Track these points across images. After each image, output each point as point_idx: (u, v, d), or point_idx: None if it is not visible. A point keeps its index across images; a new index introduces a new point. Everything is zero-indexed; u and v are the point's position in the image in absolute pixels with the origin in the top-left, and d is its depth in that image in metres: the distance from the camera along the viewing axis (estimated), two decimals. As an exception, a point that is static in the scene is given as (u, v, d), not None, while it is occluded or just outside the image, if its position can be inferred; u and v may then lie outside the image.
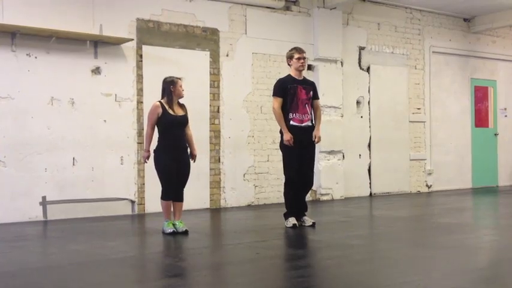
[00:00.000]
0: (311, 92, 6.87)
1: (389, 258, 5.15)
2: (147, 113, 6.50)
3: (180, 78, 6.49)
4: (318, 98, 7.02)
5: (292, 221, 6.73)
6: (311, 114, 6.87)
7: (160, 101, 6.35)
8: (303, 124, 6.76)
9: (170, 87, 6.35)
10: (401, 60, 11.12)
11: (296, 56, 6.81)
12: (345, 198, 10.06)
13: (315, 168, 9.60)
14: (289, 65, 6.94)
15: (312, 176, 6.92)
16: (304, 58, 6.85)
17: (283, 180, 6.92)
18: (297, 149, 6.69)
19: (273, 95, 6.85)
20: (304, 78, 6.96)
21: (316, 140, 6.81)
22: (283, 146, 6.79)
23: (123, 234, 6.66)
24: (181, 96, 6.42)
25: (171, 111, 6.30)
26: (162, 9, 8.50)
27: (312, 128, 6.82)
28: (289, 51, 6.94)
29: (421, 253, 5.39)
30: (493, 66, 12.62)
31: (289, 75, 6.91)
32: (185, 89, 6.50)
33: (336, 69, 10.08)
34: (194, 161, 6.56)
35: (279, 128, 6.90)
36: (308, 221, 6.88)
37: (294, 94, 6.74)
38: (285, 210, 6.87)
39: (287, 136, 6.66)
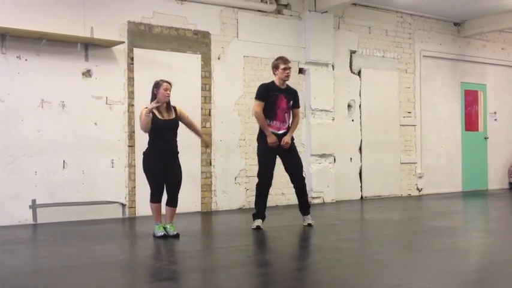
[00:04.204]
0: (291, 102, 6.97)
1: (380, 262, 5.16)
2: (139, 118, 6.35)
3: (168, 82, 6.31)
4: (298, 107, 7.12)
5: (257, 223, 6.89)
6: (289, 123, 6.99)
7: (147, 107, 6.30)
8: (280, 132, 6.89)
9: (154, 90, 6.31)
10: (392, 64, 11.16)
11: (282, 66, 6.89)
12: (336, 201, 10.08)
13: (306, 172, 9.75)
14: (274, 74, 7.01)
15: (300, 171, 7.06)
16: (289, 68, 6.93)
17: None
18: (273, 154, 6.87)
19: (256, 98, 6.94)
20: (287, 87, 7.04)
21: (283, 143, 6.83)
22: (260, 150, 6.93)
23: (113, 238, 6.64)
24: (164, 101, 6.25)
25: (159, 116, 6.26)
26: (154, 12, 8.49)
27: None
28: (275, 60, 7.04)
29: (412, 256, 5.41)
30: (483, 70, 12.70)
31: (273, 82, 7.01)
32: (174, 93, 6.37)
33: (327, 72, 10.10)
34: (206, 144, 6.87)
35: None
36: (307, 220, 7.07)
37: (274, 102, 6.86)
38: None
39: (272, 139, 6.79)
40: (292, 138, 7.01)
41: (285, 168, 7.03)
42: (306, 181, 9.65)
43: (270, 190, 7.03)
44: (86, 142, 7.93)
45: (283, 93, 6.91)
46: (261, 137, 6.91)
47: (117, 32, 8.16)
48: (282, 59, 6.96)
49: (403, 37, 11.33)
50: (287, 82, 7.06)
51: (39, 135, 7.61)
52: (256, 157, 7.06)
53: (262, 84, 7.07)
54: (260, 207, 6.95)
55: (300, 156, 9.60)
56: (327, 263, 5.06)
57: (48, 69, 7.67)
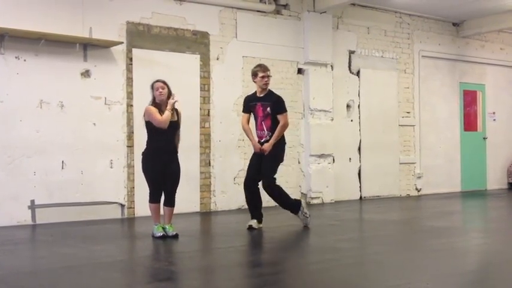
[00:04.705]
0: (268, 109, 6.89)
1: (379, 262, 5.16)
2: (147, 117, 6.27)
3: (161, 81, 6.33)
4: (280, 113, 6.91)
5: (250, 222, 6.97)
6: (270, 130, 6.91)
7: (151, 106, 6.31)
8: (262, 140, 6.95)
9: (152, 92, 6.34)
10: (391, 64, 11.17)
11: (260, 74, 6.91)
12: (335, 201, 10.07)
13: (305, 172, 9.76)
14: (253, 81, 7.05)
15: (263, 177, 6.91)
16: (268, 76, 6.95)
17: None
18: (258, 158, 6.96)
19: (242, 112, 7.25)
20: (267, 94, 6.99)
21: (261, 149, 6.86)
22: (252, 155, 7.15)
23: (112, 238, 6.63)
24: (159, 99, 6.24)
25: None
26: (152, 12, 8.49)
27: None
28: (254, 68, 7.08)
29: (411, 256, 5.41)
30: (482, 70, 12.70)
31: (254, 92, 7.14)
32: (169, 92, 6.37)
33: (326, 72, 10.10)
34: None
35: None
36: (303, 221, 7.07)
37: (253, 112, 7.03)
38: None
39: (255, 148, 6.96)
40: (284, 143, 7.03)
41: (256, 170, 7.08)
42: (305, 181, 9.84)
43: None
44: (85, 142, 7.92)
45: (260, 101, 6.95)
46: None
47: (115, 32, 8.15)
48: (261, 67, 6.99)
49: (402, 37, 11.33)
50: (271, 88, 7.08)
51: (38, 135, 7.61)
52: None
53: (245, 97, 7.31)
54: (250, 208, 7.06)
55: (299, 156, 9.76)
56: (325, 263, 5.07)
57: (47, 70, 7.66)
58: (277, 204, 7.14)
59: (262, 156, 6.90)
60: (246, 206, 7.21)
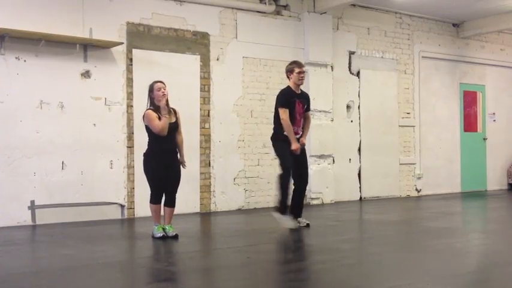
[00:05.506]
0: (305, 106, 7.04)
1: (379, 262, 5.16)
2: (147, 121, 6.23)
3: (160, 81, 6.31)
4: (309, 110, 7.21)
5: (291, 223, 6.81)
6: (302, 127, 7.07)
7: (151, 109, 6.30)
8: (297, 136, 6.94)
9: (150, 95, 6.30)
10: (391, 65, 11.17)
11: (297, 70, 6.90)
12: (335, 202, 10.07)
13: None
14: (288, 78, 7.01)
15: (307, 175, 7.10)
16: (303, 72, 6.97)
17: (276, 180, 6.99)
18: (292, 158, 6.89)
19: (281, 106, 6.87)
20: (301, 92, 7.09)
21: (301, 144, 6.93)
22: (283, 147, 6.85)
23: (112, 239, 6.63)
24: (162, 99, 6.20)
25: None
26: (153, 12, 8.49)
27: None
28: (290, 65, 7.05)
29: (411, 257, 5.41)
30: (482, 71, 12.71)
31: (289, 88, 7.02)
32: (174, 94, 6.40)
33: (326, 73, 10.10)
34: (184, 167, 6.52)
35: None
36: (303, 222, 7.06)
37: (293, 108, 6.89)
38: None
39: (296, 146, 6.78)
40: None
41: (294, 169, 6.97)
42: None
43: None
44: (85, 143, 7.92)
45: (299, 98, 6.96)
46: (283, 139, 6.84)
47: (116, 33, 8.16)
48: (297, 63, 6.99)
49: (402, 38, 11.34)
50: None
51: (38, 136, 7.61)
52: (277, 156, 7.03)
53: (284, 91, 7.01)
54: (286, 200, 6.80)
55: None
56: (325, 264, 5.07)
57: (47, 70, 7.66)
58: (300, 201, 7.08)
59: (297, 155, 6.89)
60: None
